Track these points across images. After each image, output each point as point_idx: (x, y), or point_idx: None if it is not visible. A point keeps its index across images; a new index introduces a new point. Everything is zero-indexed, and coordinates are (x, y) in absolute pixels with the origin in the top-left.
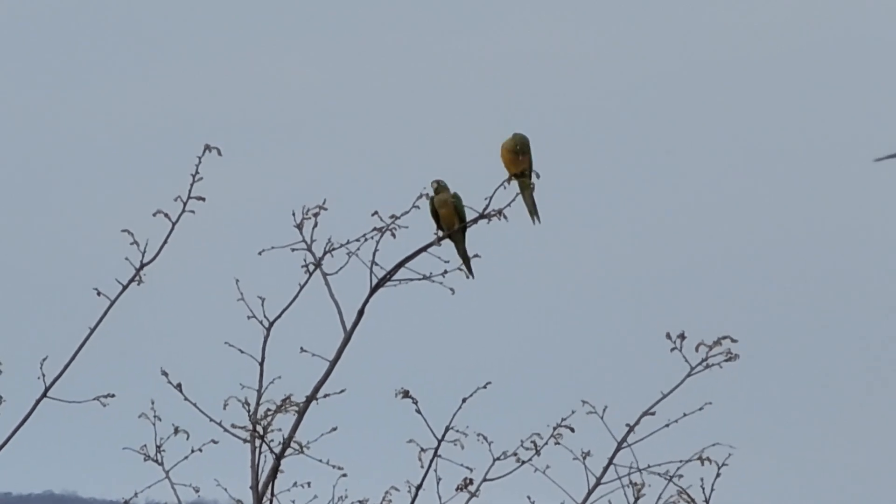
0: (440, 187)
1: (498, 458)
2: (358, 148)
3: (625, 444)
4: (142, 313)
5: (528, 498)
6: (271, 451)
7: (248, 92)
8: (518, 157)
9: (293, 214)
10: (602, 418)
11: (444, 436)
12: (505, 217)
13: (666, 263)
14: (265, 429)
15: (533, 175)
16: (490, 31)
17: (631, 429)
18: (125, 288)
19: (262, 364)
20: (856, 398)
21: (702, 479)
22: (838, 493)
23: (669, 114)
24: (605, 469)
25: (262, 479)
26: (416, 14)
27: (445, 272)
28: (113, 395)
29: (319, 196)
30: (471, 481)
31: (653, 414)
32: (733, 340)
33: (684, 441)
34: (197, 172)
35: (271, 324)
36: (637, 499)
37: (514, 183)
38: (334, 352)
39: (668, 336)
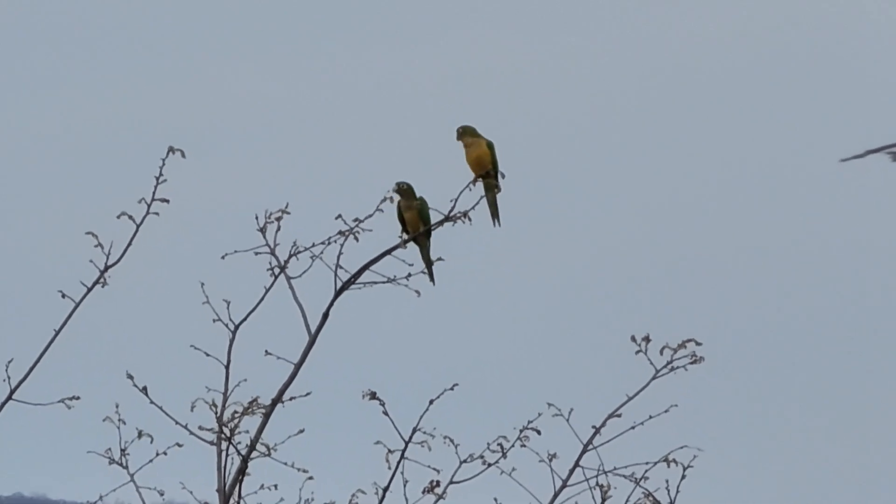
0: (401, 189)
1: (465, 461)
2: (321, 151)
3: (591, 447)
4: (107, 316)
5: (495, 500)
6: (238, 454)
7: (212, 96)
8: (460, 140)
9: (256, 218)
10: (568, 421)
11: (411, 438)
12: (469, 220)
13: (631, 266)
14: (232, 431)
15: (498, 176)
16: (453, 39)
17: (597, 431)
18: (90, 290)
19: (227, 367)
20: (822, 399)
21: (667, 482)
22: (805, 495)
23: (632, 119)
24: (572, 471)
25: (229, 481)
26: (378, 25)
27: (410, 275)
28: (78, 398)
29: (283, 200)
30: (438, 483)
31: (619, 416)
32: (698, 343)
33: (650, 443)
34: (161, 174)
35: (237, 327)
36: (603, 501)
37: (480, 185)
38: (299, 354)
39: (633, 339)
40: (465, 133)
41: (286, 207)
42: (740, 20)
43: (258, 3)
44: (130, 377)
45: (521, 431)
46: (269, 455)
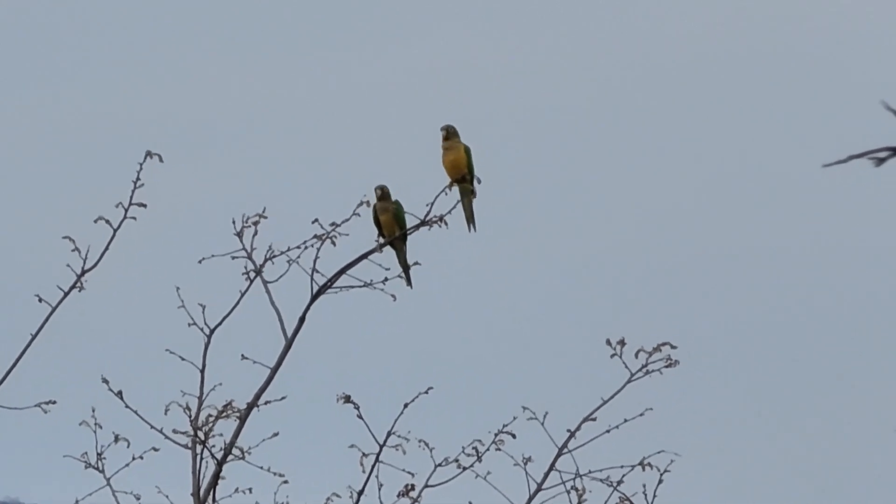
0: (384, 193)
1: (440, 464)
2: (298, 156)
3: (566, 450)
4: (83, 320)
5: None
6: (213, 457)
7: (189, 100)
8: (449, 140)
9: (233, 223)
10: (543, 424)
11: (385, 441)
12: (446, 224)
13: (606, 270)
14: (207, 435)
15: (474, 181)
16: (430, 40)
17: (572, 434)
18: (66, 294)
19: (202, 371)
20: (798, 403)
21: (644, 486)
22: (782, 498)
23: (609, 124)
24: (547, 475)
25: (204, 485)
26: (356, 28)
27: (386, 279)
28: (54, 402)
29: (259, 204)
30: (412, 487)
31: (594, 420)
32: (673, 347)
33: (625, 447)
34: (138, 179)
35: (212, 331)
36: None
37: (456, 189)
38: (275, 358)
39: (609, 342)
40: (452, 133)
41: (263, 212)
42: (726, 22)
43: (234, 8)
44: (105, 381)
45: (496, 435)
46: (243, 458)
